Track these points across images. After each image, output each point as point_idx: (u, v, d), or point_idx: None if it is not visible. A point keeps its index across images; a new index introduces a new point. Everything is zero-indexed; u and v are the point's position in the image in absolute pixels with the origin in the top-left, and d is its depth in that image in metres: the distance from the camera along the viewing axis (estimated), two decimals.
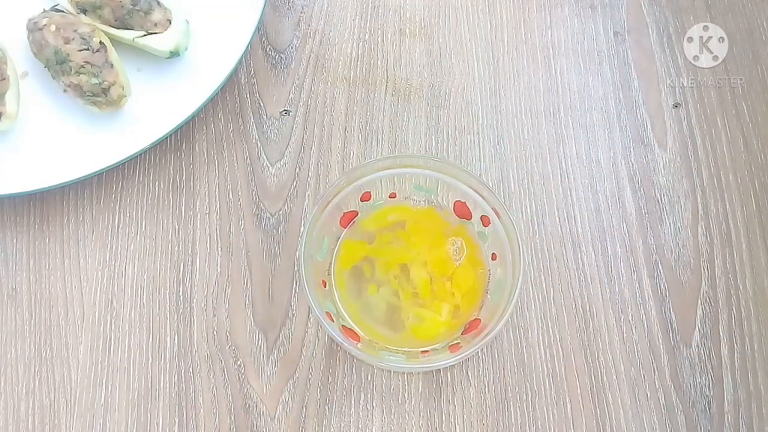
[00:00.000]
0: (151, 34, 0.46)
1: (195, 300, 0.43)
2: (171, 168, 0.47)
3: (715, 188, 0.47)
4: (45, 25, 0.44)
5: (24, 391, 0.41)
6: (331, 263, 0.42)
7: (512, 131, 0.48)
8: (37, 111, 0.46)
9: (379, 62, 0.50)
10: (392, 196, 0.43)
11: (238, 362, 0.42)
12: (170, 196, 0.46)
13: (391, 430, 0.41)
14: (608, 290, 0.44)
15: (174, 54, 0.46)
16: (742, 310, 0.44)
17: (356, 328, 0.40)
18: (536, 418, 0.41)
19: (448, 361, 0.39)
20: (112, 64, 0.45)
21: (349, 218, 0.43)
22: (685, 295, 0.44)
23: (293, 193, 0.46)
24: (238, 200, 0.46)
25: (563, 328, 0.43)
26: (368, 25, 0.52)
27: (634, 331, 0.43)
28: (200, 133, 0.48)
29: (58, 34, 0.44)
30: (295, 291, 0.44)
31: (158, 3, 0.47)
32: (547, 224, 0.46)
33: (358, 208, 0.43)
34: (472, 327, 0.40)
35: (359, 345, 0.39)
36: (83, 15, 0.46)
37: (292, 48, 0.51)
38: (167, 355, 0.42)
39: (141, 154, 0.45)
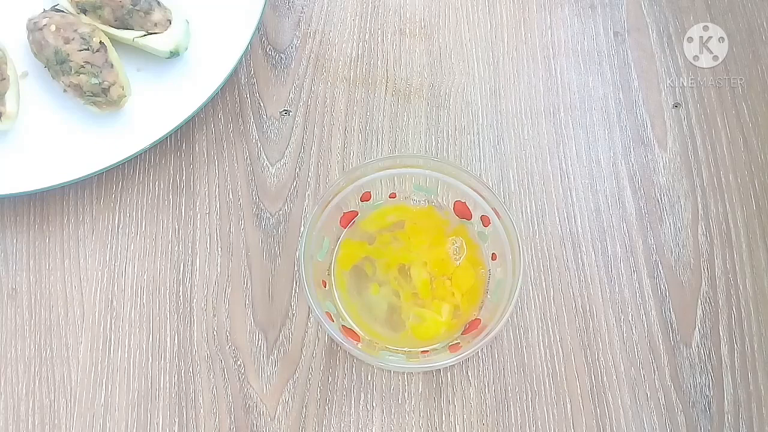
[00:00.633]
0: (151, 34, 0.46)
1: (195, 300, 0.43)
2: (171, 168, 0.47)
3: (715, 188, 0.47)
4: (45, 25, 0.44)
5: (24, 391, 0.41)
6: (331, 263, 0.42)
7: (512, 131, 0.48)
8: (37, 111, 0.46)
9: (379, 62, 0.50)
10: (392, 196, 0.43)
11: (238, 362, 0.42)
12: (170, 196, 0.46)
13: (391, 430, 0.41)
14: (608, 290, 0.44)
15: (174, 54, 0.46)
16: (742, 310, 0.44)
17: (356, 328, 0.40)
18: (536, 418, 0.41)
19: (448, 361, 0.39)
20: (112, 64, 0.45)
21: (349, 218, 0.43)
22: (685, 295, 0.44)
23: (293, 193, 0.46)
24: (238, 200, 0.46)
25: (563, 328, 0.43)
26: (368, 25, 0.52)
27: (634, 331, 0.43)
28: (200, 133, 0.48)
29: (58, 34, 0.44)
30: (295, 291, 0.44)
31: (158, 3, 0.47)
32: (547, 224, 0.46)
33: (358, 208, 0.43)
34: (472, 327, 0.40)
35: (359, 345, 0.39)
36: (83, 15, 0.46)
37: (292, 48, 0.51)
38: (167, 355, 0.42)
39: (141, 154, 0.45)
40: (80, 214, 0.45)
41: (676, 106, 0.49)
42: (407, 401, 0.41)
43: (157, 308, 0.43)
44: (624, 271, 0.45)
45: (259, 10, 0.48)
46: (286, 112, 0.49)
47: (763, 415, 0.42)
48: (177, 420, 0.41)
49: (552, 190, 0.47)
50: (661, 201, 0.47)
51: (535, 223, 0.46)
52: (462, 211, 0.42)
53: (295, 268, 0.44)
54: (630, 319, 0.43)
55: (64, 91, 0.45)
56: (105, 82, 0.44)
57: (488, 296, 0.41)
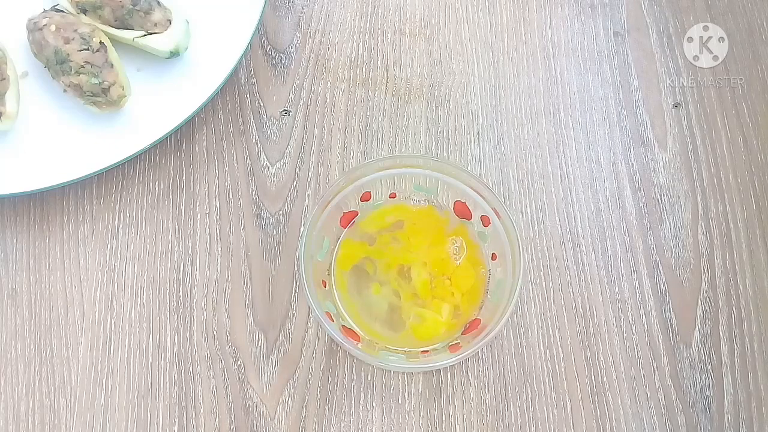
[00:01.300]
0: (151, 34, 0.46)
1: (195, 300, 0.43)
2: (171, 168, 0.47)
3: (715, 188, 0.47)
4: (45, 25, 0.44)
5: (24, 391, 0.41)
6: (331, 263, 0.42)
7: (512, 131, 0.48)
8: (37, 111, 0.46)
9: (379, 62, 0.50)
10: (392, 196, 0.43)
11: (238, 362, 0.42)
12: (170, 196, 0.46)
13: (391, 430, 0.41)
14: (608, 290, 0.44)
15: (174, 54, 0.46)
16: (742, 310, 0.44)
17: (356, 328, 0.40)
18: (536, 418, 0.41)
19: (448, 361, 0.39)
20: (112, 64, 0.45)
21: (349, 218, 0.43)
22: (685, 295, 0.44)
23: (293, 193, 0.46)
24: (238, 200, 0.46)
25: (563, 328, 0.43)
26: (368, 25, 0.52)
27: (634, 331, 0.43)
28: (200, 133, 0.48)
29: (58, 34, 0.44)
30: (295, 291, 0.44)
31: (158, 3, 0.47)
32: (547, 224, 0.46)
33: (358, 208, 0.43)
34: (472, 327, 0.40)
35: (359, 345, 0.39)
36: (83, 15, 0.46)
37: (292, 48, 0.51)
38: (167, 355, 0.42)
39: (141, 154, 0.45)
40: (80, 214, 0.45)
41: (676, 106, 0.49)
42: (407, 401, 0.41)
43: (157, 308, 0.43)
44: (624, 271, 0.45)
45: (259, 10, 0.48)
46: (286, 112, 0.49)
47: (763, 415, 0.42)
48: (177, 420, 0.41)
49: (552, 190, 0.47)
50: (661, 201, 0.47)
51: (535, 223, 0.46)
52: (462, 211, 0.42)
53: (295, 268, 0.44)
54: (630, 319, 0.43)
55: (64, 91, 0.45)
56: (105, 82, 0.44)
57: (488, 296, 0.41)
